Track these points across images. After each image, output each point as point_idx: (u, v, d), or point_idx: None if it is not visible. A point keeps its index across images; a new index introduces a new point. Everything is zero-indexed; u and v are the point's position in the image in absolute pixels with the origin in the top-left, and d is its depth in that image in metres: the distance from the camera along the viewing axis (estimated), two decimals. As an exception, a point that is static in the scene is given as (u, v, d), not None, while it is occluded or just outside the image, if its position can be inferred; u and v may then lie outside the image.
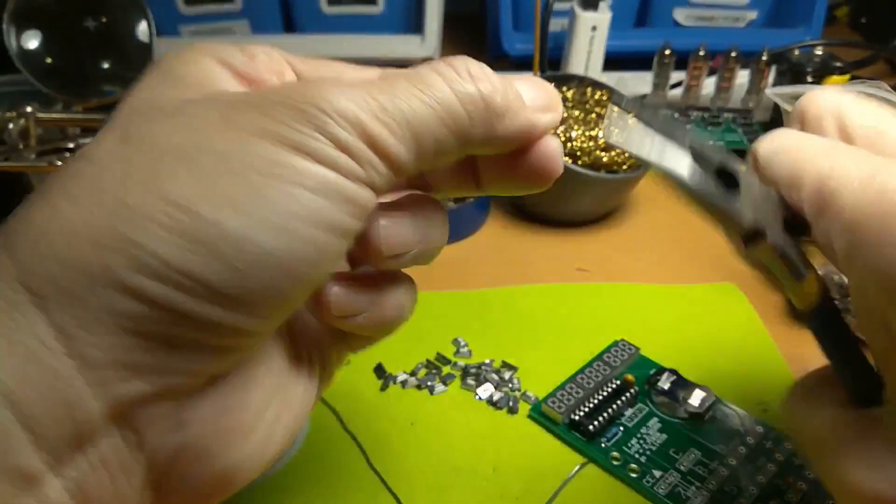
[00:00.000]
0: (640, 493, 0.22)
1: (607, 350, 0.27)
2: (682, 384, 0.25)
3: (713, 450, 0.24)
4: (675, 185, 0.15)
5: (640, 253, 0.36)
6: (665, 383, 0.25)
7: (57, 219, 0.12)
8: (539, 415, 0.25)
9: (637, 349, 0.27)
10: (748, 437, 0.24)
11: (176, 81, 0.14)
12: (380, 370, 0.27)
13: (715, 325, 0.30)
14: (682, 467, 0.23)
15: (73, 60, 0.37)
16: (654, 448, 0.24)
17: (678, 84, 0.43)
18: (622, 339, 0.28)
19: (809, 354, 0.29)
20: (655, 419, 0.25)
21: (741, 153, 0.46)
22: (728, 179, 0.15)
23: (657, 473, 0.23)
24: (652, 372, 0.26)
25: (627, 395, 0.25)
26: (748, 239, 0.15)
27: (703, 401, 0.25)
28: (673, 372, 0.26)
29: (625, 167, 0.36)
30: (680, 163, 0.15)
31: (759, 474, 0.23)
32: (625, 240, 0.37)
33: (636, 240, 0.37)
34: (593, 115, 0.37)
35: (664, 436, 0.24)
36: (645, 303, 0.31)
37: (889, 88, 0.28)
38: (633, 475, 0.23)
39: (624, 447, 0.24)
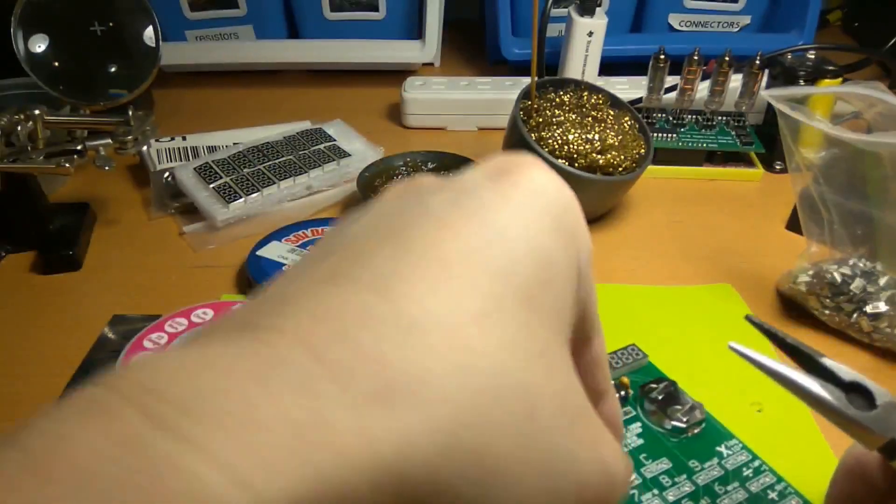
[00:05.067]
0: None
1: (613, 352, 0.27)
2: (676, 397, 0.25)
3: (685, 464, 0.24)
4: (807, 400, 0.16)
5: (636, 253, 0.36)
6: (659, 394, 0.25)
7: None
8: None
9: (646, 356, 0.28)
10: (729, 461, 0.24)
11: None
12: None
13: (711, 326, 0.31)
14: (646, 473, 0.23)
15: (81, 64, 0.38)
16: (625, 448, 0.24)
17: (672, 88, 0.44)
18: (632, 345, 0.28)
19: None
20: (639, 424, 0.25)
21: (735, 155, 0.47)
22: (862, 394, 0.16)
23: None
24: (648, 380, 0.26)
25: (618, 395, 0.26)
26: (887, 451, 0.16)
27: (689, 419, 0.25)
28: (671, 383, 0.26)
29: (620, 169, 0.37)
30: (810, 380, 0.16)
31: (725, 498, 0.22)
32: (621, 240, 0.37)
33: (632, 240, 0.37)
34: (590, 119, 0.38)
35: (641, 440, 0.24)
36: (642, 303, 0.32)
37: (885, 89, 0.29)
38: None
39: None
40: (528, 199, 0.11)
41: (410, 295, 0.10)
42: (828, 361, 0.17)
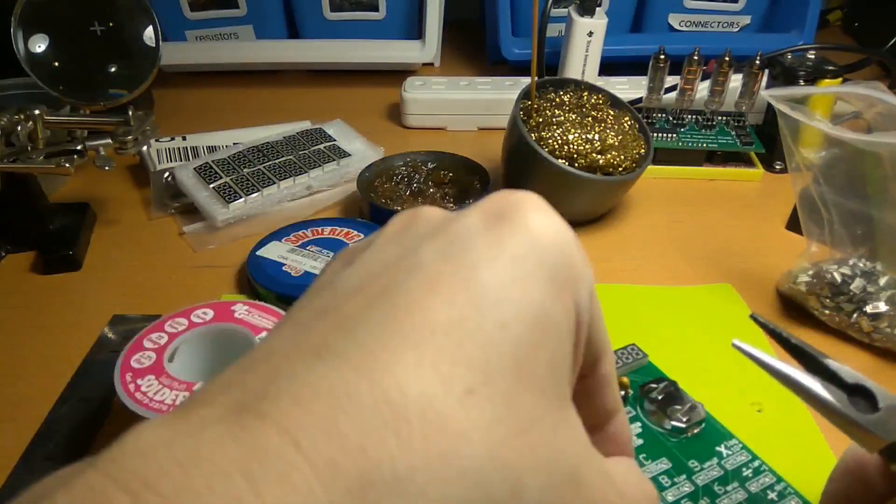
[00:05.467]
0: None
1: (614, 352, 0.27)
2: (676, 397, 0.25)
3: (685, 464, 0.23)
4: (809, 400, 0.16)
5: (636, 253, 0.36)
6: (659, 394, 0.25)
7: None
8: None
9: (646, 355, 0.28)
10: (729, 461, 0.24)
11: None
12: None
13: (711, 326, 0.31)
14: (646, 473, 0.23)
15: (81, 64, 0.38)
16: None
17: (672, 88, 0.44)
18: (632, 344, 0.28)
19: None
20: (638, 424, 0.25)
21: (735, 155, 0.47)
22: (865, 396, 0.16)
23: None
24: (648, 380, 0.26)
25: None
26: (888, 454, 0.16)
27: (689, 419, 0.25)
28: (671, 383, 0.26)
29: (620, 169, 0.37)
30: (812, 380, 0.16)
31: (724, 498, 0.22)
32: (621, 240, 0.37)
33: (632, 240, 0.37)
34: (590, 119, 0.37)
35: (640, 440, 0.24)
36: (642, 303, 0.32)
37: (885, 89, 0.29)
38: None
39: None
40: (521, 250, 0.11)
41: (395, 375, 0.10)
42: (831, 363, 0.17)
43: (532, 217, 0.12)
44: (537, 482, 0.10)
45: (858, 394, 0.16)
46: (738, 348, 0.17)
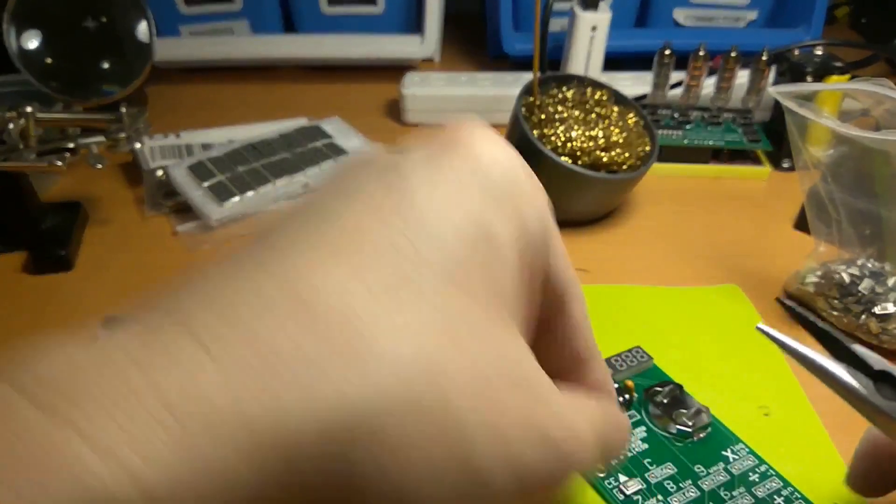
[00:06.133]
0: (599, 493, 0.22)
1: (617, 354, 0.27)
2: (682, 401, 0.25)
3: (690, 468, 0.23)
4: (833, 386, 0.16)
5: (640, 253, 0.36)
6: (664, 398, 0.25)
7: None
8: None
9: (650, 358, 0.27)
10: (735, 465, 0.23)
11: None
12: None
13: (717, 328, 0.30)
14: (650, 478, 0.23)
15: (73, 60, 0.37)
16: (630, 454, 0.23)
17: (678, 84, 0.43)
18: (637, 347, 0.27)
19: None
20: (643, 428, 0.25)
21: (742, 153, 0.46)
22: (891, 384, 0.16)
23: (623, 478, 0.22)
24: (653, 383, 0.26)
25: (621, 399, 0.25)
26: None
27: (695, 423, 0.24)
28: (677, 386, 0.25)
29: (625, 167, 0.36)
30: (838, 366, 0.16)
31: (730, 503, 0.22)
32: (625, 240, 0.37)
33: (636, 240, 0.37)
34: (593, 115, 0.37)
35: (645, 445, 0.24)
36: (646, 305, 0.31)
37: (893, 86, 0.28)
38: (598, 474, 0.22)
39: (600, 447, 0.23)
40: (462, 175, 0.11)
41: (310, 278, 0.09)
42: (858, 348, 0.16)
43: (477, 144, 0.12)
44: (470, 390, 0.10)
45: (884, 381, 0.16)
46: (763, 331, 0.16)
